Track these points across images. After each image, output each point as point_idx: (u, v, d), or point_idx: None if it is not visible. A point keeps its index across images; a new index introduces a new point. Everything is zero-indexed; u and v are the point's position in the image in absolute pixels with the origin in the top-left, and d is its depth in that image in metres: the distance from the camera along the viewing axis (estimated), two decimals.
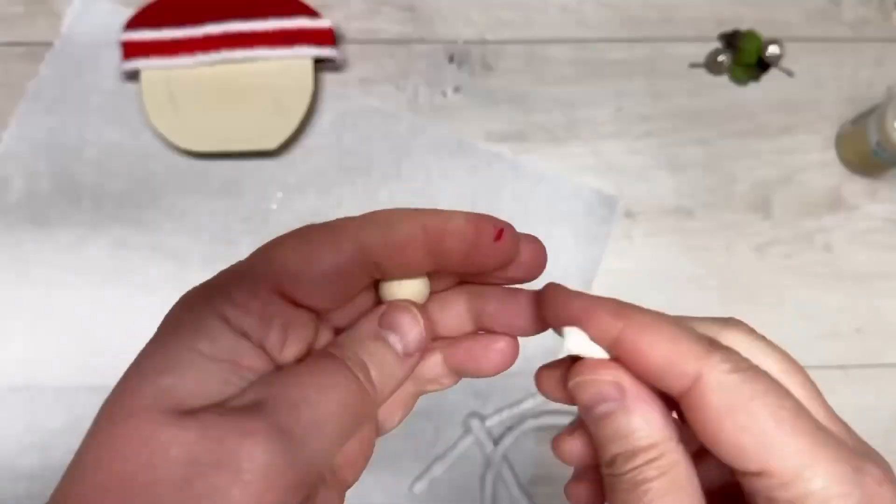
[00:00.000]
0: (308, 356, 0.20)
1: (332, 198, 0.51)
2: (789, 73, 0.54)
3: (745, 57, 0.53)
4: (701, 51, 0.53)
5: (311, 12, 0.51)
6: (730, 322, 0.21)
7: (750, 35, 0.53)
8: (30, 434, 0.48)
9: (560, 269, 0.51)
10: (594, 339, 0.19)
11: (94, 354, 0.49)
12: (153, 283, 0.50)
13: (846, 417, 0.20)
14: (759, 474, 0.17)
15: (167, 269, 0.50)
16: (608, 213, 0.51)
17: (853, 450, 0.18)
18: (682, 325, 0.19)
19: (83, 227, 0.50)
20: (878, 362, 0.51)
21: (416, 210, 0.20)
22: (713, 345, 0.18)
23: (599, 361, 0.19)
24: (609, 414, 0.18)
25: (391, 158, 0.52)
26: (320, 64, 0.52)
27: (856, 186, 0.53)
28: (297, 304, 0.19)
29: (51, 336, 0.49)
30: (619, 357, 0.19)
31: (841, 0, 0.55)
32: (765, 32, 0.53)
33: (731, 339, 0.20)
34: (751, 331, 0.21)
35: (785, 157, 0.53)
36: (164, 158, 0.51)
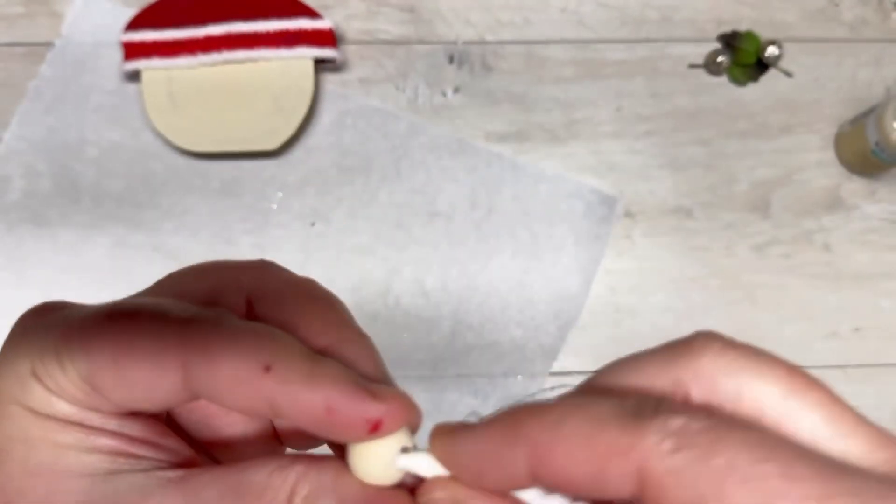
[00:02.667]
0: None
1: (332, 197, 0.51)
2: (788, 74, 0.54)
3: (744, 57, 0.53)
4: (700, 51, 0.54)
5: (311, 13, 0.51)
6: (693, 344, 0.14)
7: (749, 35, 0.53)
8: None
9: (560, 270, 0.51)
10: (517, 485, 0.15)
11: None
12: (153, 282, 0.50)
13: None
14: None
15: (167, 268, 0.50)
16: (608, 213, 0.52)
17: (880, 479, 0.12)
18: (595, 405, 0.14)
19: (83, 226, 0.50)
20: (877, 362, 0.51)
21: (254, 364, 0.15)
22: (641, 413, 0.13)
23: (440, 480, 0.16)
24: None
25: (391, 158, 0.52)
26: (321, 64, 0.52)
27: (855, 186, 0.53)
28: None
29: None
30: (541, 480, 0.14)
31: (840, 1, 0.55)
32: (764, 33, 0.54)
33: (702, 368, 0.14)
34: (725, 346, 0.14)
35: (784, 157, 0.53)
36: (164, 158, 0.51)
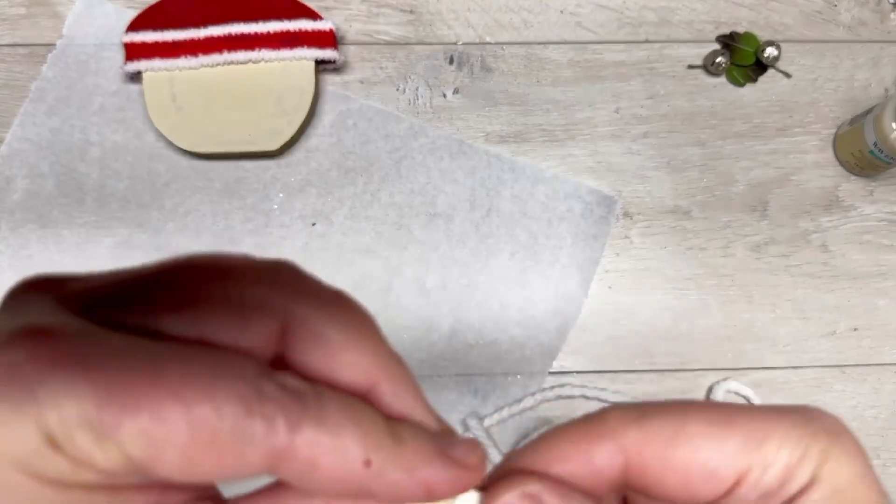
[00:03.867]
0: None
1: (333, 198, 0.52)
2: (786, 75, 0.54)
3: (742, 58, 0.53)
4: (698, 53, 0.54)
5: (312, 15, 0.51)
6: (818, 436, 0.16)
7: (747, 37, 0.53)
8: None
9: (559, 270, 0.51)
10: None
11: None
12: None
13: (843, 417, 0.18)
14: (736, 484, 0.16)
15: None
16: (606, 214, 0.52)
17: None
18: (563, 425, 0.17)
19: (87, 227, 0.51)
20: (875, 362, 0.52)
21: (358, 459, 0.14)
22: (603, 416, 0.17)
23: None
24: None
25: (391, 159, 0.52)
26: (321, 66, 0.52)
27: (853, 186, 0.53)
28: None
29: None
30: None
31: (838, 2, 0.55)
32: (762, 34, 0.54)
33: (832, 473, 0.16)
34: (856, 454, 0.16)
35: (782, 157, 0.53)
36: (166, 159, 0.52)
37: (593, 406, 0.50)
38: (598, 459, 0.16)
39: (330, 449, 0.14)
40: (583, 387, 0.50)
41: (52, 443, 0.12)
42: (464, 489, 0.16)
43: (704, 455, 0.16)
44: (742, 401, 0.51)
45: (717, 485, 0.16)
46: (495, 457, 0.49)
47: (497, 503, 0.16)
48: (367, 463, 0.14)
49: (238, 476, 0.14)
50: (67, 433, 0.12)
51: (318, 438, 0.14)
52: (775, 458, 0.16)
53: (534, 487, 0.16)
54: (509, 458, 0.17)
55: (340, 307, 0.17)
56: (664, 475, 0.16)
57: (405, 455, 0.15)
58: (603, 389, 0.50)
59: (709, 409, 0.16)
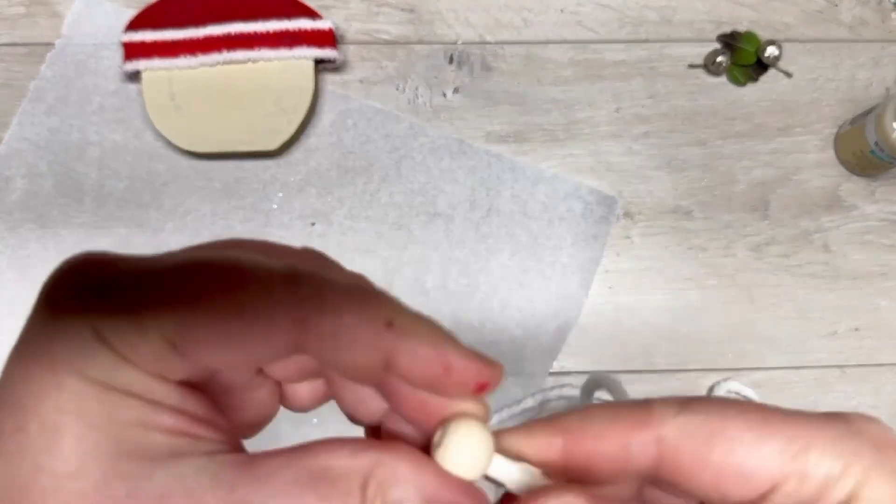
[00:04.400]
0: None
1: (333, 198, 0.52)
2: (787, 74, 0.54)
3: (743, 58, 0.53)
4: (699, 52, 0.54)
5: (311, 14, 0.51)
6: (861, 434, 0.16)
7: (748, 36, 0.53)
8: None
9: (559, 270, 0.51)
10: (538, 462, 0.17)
11: None
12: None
13: None
14: (770, 490, 0.15)
15: None
16: (607, 214, 0.52)
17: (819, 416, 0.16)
18: (609, 405, 0.17)
19: (86, 226, 0.51)
20: (876, 362, 0.52)
21: (378, 320, 0.15)
22: (644, 402, 0.17)
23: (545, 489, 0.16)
24: None
25: (391, 159, 0.52)
26: (321, 65, 0.52)
27: (854, 186, 0.53)
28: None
29: None
30: (569, 470, 0.17)
31: (839, 1, 0.55)
32: (763, 33, 0.54)
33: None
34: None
35: (783, 157, 0.53)
36: (165, 159, 0.51)
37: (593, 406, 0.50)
38: (635, 445, 0.16)
39: (352, 310, 0.15)
40: (572, 397, 0.50)
41: (100, 336, 0.14)
42: (478, 386, 0.16)
43: (741, 457, 0.15)
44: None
45: (750, 489, 0.15)
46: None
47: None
48: (389, 324, 0.15)
49: (269, 356, 0.15)
50: (113, 324, 0.14)
51: (341, 303, 0.15)
52: (815, 469, 0.15)
53: (574, 500, 0.16)
54: (553, 418, 0.17)
55: (355, 297, 0.16)
56: (698, 472, 0.16)
57: (427, 328, 0.15)
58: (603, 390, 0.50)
59: (751, 411, 0.16)
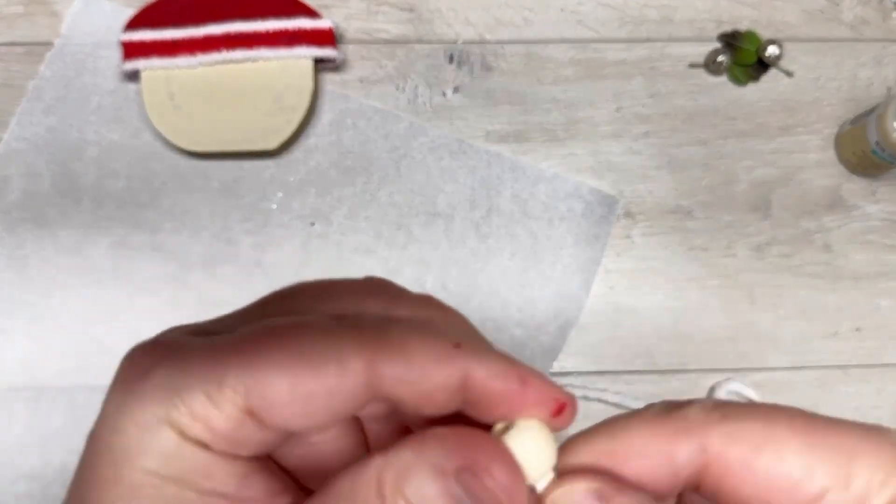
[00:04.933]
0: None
1: (332, 197, 0.51)
2: (788, 74, 0.54)
3: (744, 57, 0.53)
4: (700, 51, 0.54)
5: (311, 13, 0.51)
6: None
7: (749, 35, 0.53)
8: (29, 433, 0.48)
9: (559, 270, 0.51)
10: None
11: (94, 354, 0.49)
12: (154, 282, 0.50)
13: (847, 417, 0.19)
14: (816, 498, 0.15)
15: (168, 268, 0.50)
16: (607, 213, 0.52)
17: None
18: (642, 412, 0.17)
19: (84, 226, 0.50)
20: (877, 362, 0.51)
21: (445, 342, 0.15)
22: (682, 411, 0.16)
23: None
24: None
25: (391, 158, 0.52)
26: (320, 64, 0.52)
27: (855, 186, 0.53)
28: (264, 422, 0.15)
29: (51, 335, 0.49)
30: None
31: (840, 0, 0.55)
32: (764, 33, 0.54)
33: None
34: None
35: (784, 157, 0.53)
36: (164, 158, 0.51)
37: (594, 407, 0.50)
38: (680, 457, 0.16)
39: (418, 338, 0.15)
40: (583, 387, 0.49)
41: (170, 420, 0.14)
42: (558, 407, 0.16)
43: (791, 465, 0.15)
44: (744, 402, 0.50)
45: (798, 498, 0.15)
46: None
47: (564, 490, 0.16)
48: (457, 344, 0.15)
49: (346, 407, 0.15)
50: (184, 399, 0.14)
51: (406, 335, 0.15)
52: (858, 478, 0.15)
53: (602, 486, 0.16)
54: (583, 440, 0.17)
55: (423, 316, 0.17)
56: (744, 481, 0.15)
57: (491, 347, 0.16)
58: (604, 390, 0.49)
59: (797, 417, 0.16)
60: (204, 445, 0.14)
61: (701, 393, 0.51)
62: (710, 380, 0.51)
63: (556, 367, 0.50)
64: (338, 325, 0.15)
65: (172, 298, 0.50)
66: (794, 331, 0.51)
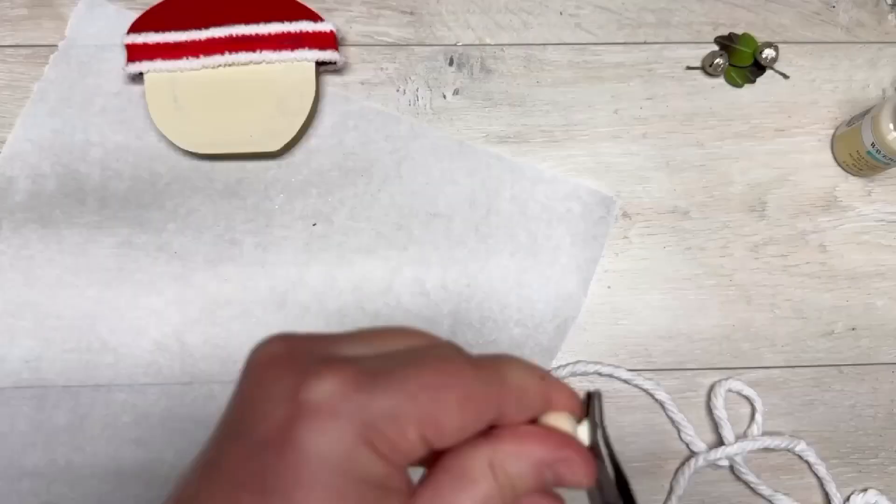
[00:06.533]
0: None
1: (334, 199, 0.52)
2: (784, 76, 0.54)
3: (741, 59, 0.53)
4: (696, 54, 0.54)
5: (313, 16, 0.51)
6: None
7: (746, 38, 0.54)
8: (34, 432, 0.49)
9: (558, 270, 0.51)
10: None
11: (99, 353, 0.50)
12: (158, 282, 0.50)
13: (842, 417, 0.20)
14: None
15: (172, 268, 0.51)
16: (605, 214, 0.52)
17: None
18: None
19: (89, 227, 0.51)
20: (873, 361, 0.52)
21: (536, 376, 0.21)
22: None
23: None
24: None
25: (392, 160, 0.52)
26: (322, 67, 0.52)
27: (850, 187, 0.53)
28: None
29: (56, 335, 0.50)
30: None
31: (836, 3, 0.55)
32: (760, 35, 0.54)
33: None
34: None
35: (780, 158, 0.53)
36: (168, 160, 0.52)
37: (606, 383, 0.50)
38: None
39: (522, 373, 0.20)
40: (597, 363, 0.50)
41: (368, 441, 0.18)
42: (576, 403, 0.22)
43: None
44: (744, 401, 0.51)
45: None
46: None
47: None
48: (543, 377, 0.21)
49: (479, 426, 0.19)
50: (378, 428, 0.18)
51: (514, 372, 0.20)
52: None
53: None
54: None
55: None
56: None
57: (549, 375, 0.22)
58: (617, 367, 0.50)
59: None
60: (385, 457, 0.18)
61: (700, 391, 0.51)
62: (706, 378, 0.51)
63: (555, 365, 0.51)
64: (468, 364, 0.19)
65: (176, 298, 0.50)
66: (790, 330, 0.52)
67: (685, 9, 0.55)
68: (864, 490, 0.50)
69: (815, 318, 0.52)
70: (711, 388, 0.51)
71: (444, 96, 0.53)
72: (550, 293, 0.51)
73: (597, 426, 0.22)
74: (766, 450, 0.50)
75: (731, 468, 0.50)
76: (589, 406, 0.22)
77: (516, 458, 0.19)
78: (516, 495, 0.20)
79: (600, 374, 0.50)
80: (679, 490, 0.49)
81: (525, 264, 0.51)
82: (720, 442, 0.50)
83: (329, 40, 0.51)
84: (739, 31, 0.54)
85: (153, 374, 0.49)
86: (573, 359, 0.51)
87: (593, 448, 0.22)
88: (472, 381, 0.19)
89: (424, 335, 0.21)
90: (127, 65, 0.51)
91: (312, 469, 0.17)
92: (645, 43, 0.54)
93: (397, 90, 0.53)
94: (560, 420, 0.21)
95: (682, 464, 0.50)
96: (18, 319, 0.50)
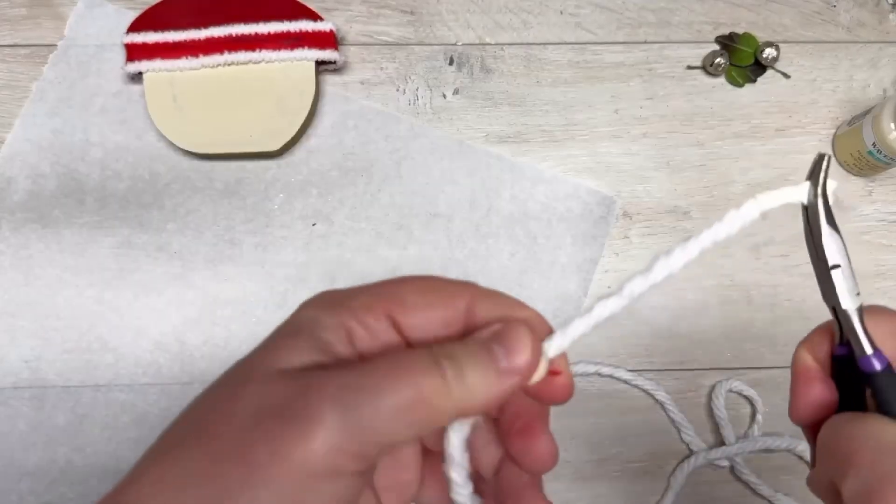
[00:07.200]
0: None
1: (334, 198, 0.52)
2: (785, 75, 0.54)
3: (741, 59, 0.53)
4: (697, 54, 0.54)
5: (312, 15, 0.51)
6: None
7: (746, 37, 0.54)
8: (34, 431, 0.49)
9: (558, 270, 0.51)
10: None
11: (99, 353, 0.50)
12: (157, 282, 0.50)
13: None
14: None
15: (171, 268, 0.51)
16: (606, 214, 0.52)
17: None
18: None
19: (88, 227, 0.51)
20: None
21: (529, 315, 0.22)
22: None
23: None
24: None
25: (392, 160, 0.52)
26: (322, 66, 0.52)
27: (851, 187, 0.53)
28: (400, 332, 0.21)
29: (56, 335, 0.50)
30: None
31: (837, 3, 0.55)
32: (761, 35, 0.54)
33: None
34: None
35: (781, 157, 0.53)
36: (167, 159, 0.52)
37: (607, 384, 0.50)
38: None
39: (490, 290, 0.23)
40: (597, 363, 0.50)
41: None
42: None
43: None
44: (744, 401, 0.51)
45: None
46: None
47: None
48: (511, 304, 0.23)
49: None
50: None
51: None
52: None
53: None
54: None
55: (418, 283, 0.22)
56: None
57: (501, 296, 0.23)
58: (617, 367, 0.50)
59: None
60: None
61: (701, 391, 0.51)
62: (707, 378, 0.51)
63: None
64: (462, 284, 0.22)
65: (176, 298, 0.50)
66: (790, 330, 0.52)
67: (686, 8, 0.55)
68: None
69: (816, 318, 0.52)
70: (712, 389, 0.51)
71: (444, 96, 0.53)
72: (550, 293, 0.51)
73: (817, 185, 0.23)
74: (767, 450, 0.50)
75: (732, 468, 0.50)
76: (814, 165, 0.23)
77: (463, 345, 0.20)
78: (473, 396, 0.19)
79: (601, 375, 0.50)
80: (676, 486, 0.49)
81: (525, 264, 0.51)
82: (721, 442, 0.50)
83: (329, 40, 0.51)
84: (740, 31, 0.54)
85: (153, 374, 0.49)
86: (573, 359, 0.51)
87: (807, 208, 0.23)
88: (436, 277, 0.22)
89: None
90: (126, 64, 0.51)
91: (302, 339, 0.20)
92: (645, 42, 0.54)
93: (397, 90, 0.53)
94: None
95: (682, 461, 0.50)
96: (18, 319, 0.50)
